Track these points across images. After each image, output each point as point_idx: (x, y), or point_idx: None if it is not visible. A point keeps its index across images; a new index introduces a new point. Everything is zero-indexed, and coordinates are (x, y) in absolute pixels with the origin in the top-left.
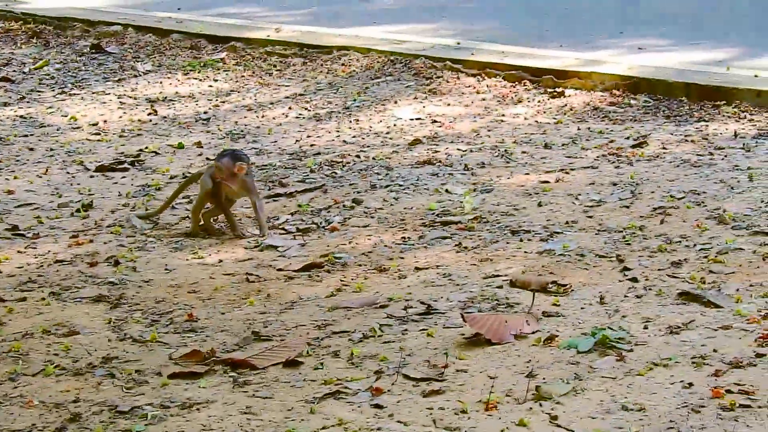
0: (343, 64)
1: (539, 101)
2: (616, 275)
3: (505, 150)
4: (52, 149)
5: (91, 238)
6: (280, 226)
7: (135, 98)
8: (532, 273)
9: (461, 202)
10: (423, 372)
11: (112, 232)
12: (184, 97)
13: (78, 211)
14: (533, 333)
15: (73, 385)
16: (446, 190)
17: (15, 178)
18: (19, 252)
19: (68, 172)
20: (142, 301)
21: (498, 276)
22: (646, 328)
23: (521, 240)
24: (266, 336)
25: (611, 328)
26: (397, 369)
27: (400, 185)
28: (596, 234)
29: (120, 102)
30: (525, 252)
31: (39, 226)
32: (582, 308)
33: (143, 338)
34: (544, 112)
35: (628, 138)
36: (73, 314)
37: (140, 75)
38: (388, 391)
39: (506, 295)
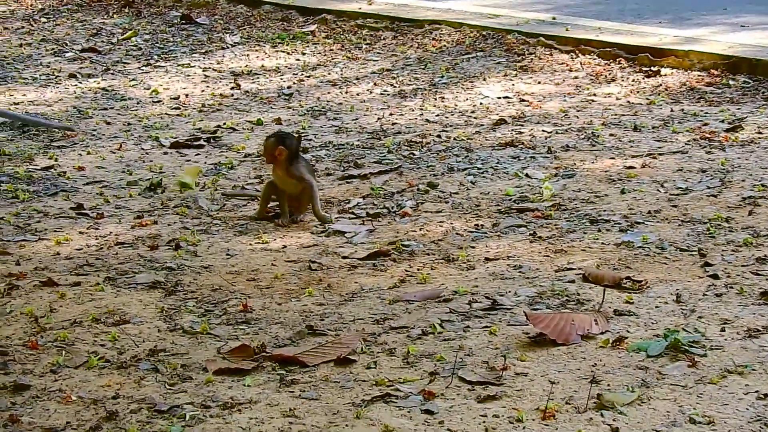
0: (434, 39)
1: (633, 80)
2: (696, 271)
3: (593, 132)
4: (129, 123)
5: (156, 219)
6: (350, 210)
7: (220, 71)
8: (607, 267)
9: (540, 187)
10: (480, 375)
11: (177, 213)
12: (269, 70)
13: (147, 189)
14: (602, 333)
15: (115, 379)
16: (526, 174)
17: (88, 153)
18: (80, 233)
19: (142, 148)
20: (198, 289)
21: (571, 269)
22: (723, 330)
23: (599, 230)
24: (321, 330)
25: (686, 330)
26: (453, 371)
27: (479, 168)
28: (679, 225)
29: (204, 75)
30: (602, 243)
31: (104, 206)
32: (656, 307)
33: (194, 329)
34: (637, 92)
35: (722, 121)
36: (125, 301)
37: (228, 47)
38: (441, 395)
39: (578, 290)
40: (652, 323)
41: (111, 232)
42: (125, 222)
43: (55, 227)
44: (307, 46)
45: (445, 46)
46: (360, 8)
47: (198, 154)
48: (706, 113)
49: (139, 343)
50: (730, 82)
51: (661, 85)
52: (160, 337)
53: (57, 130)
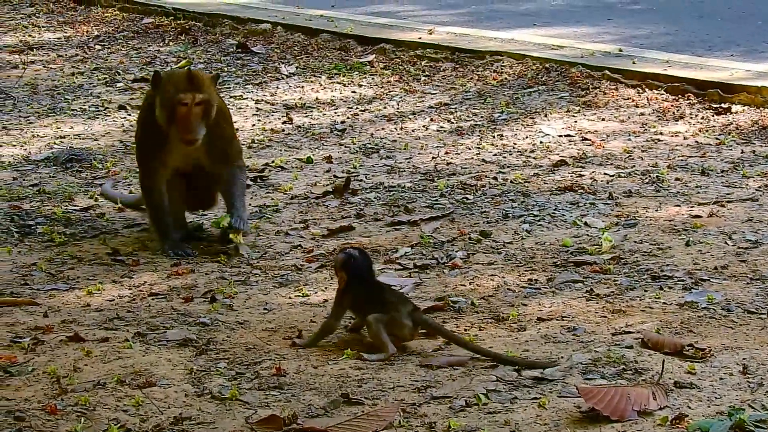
0: (494, 71)
1: (702, 118)
2: (765, 337)
3: (657, 176)
4: None
5: (194, 267)
6: (397, 261)
7: (272, 104)
8: (668, 330)
9: (600, 237)
10: None
11: (217, 261)
12: (323, 103)
13: (186, 237)
14: (660, 410)
15: None
16: (585, 223)
17: (130, 193)
18: (113, 282)
19: None
20: (230, 348)
21: (629, 333)
22: None
23: (661, 288)
24: (357, 399)
25: (752, 407)
26: None
27: (535, 216)
28: (747, 284)
29: (256, 108)
30: (664, 303)
31: (141, 252)
32: (721, 379)
33: (222, 395)
34: (706, 131)
35: None
36: (153, 361)
37: (282, 78)
38: None
39: (636, 357)
40: (716, 398)
41: (145, 282)
42: (161, 270)
43: (88, 275)
44: (364, 77)
45: (506, 78)
46: (420, 38)
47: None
48: None
49: (163, 409)
50: None
51: (731, 123)
52: (186, 402)
53: (100, 166)
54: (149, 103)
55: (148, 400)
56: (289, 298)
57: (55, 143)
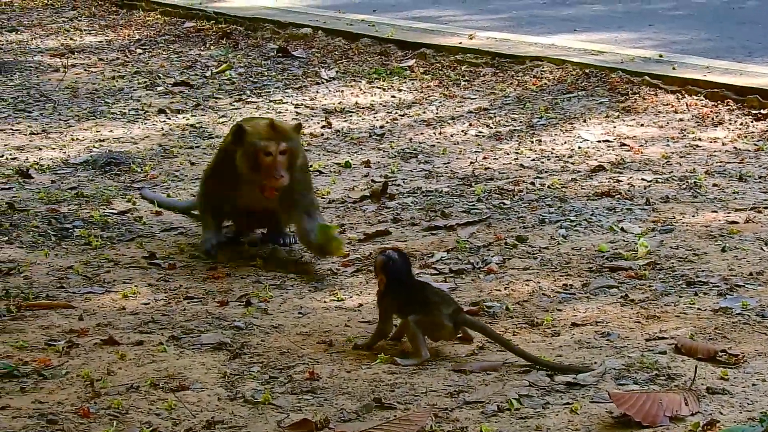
0: (534, 76)
1: (741, 124)
2: None
3: (695, 182)
4: None
5: (230, 272)
6: (432, 266)
7: (312, 108)
8: (702, 336)
9: (636, 243)
10: None
11: (253, 265)
12: (362, 108)
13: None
14: (692, 415)
15: None
16: (621, 228)
17: (168, 197)
18: (149, 285)
19: None
20: (264, 352)
21: (663, 338)
22: None
23: (696, 294)
24: (389, 403)
25: None
26: None
27: (572, 221)
28: None
29: (296, 112)
30: (698, 309)
31: (178, 255)
32: (753, 385)
33: (255, 399)
34: (745, 137)
35: None
36: (187, 364)
37: (322, 82)
38: None
39: (669, 363)
40: (748, 404)
41: (181, 285)
42: (197, 274)
43: (124, 278)
44: (404, 82)
45: (545, 84)
46: (460, 43)
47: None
48: None
49: (196, 413)
50: None
51: None
52: (219, 406)
53: (138, 169)
54: (226, 149)
55: (181, 404)
56: (324, 302)
57: (94, 147)
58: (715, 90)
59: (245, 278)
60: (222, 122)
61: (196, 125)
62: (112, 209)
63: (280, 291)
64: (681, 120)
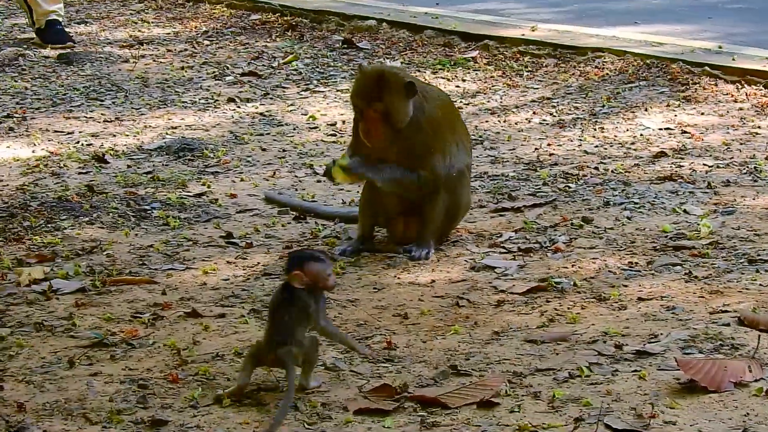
0: (596, 67)
1: None
2: None
3: (755, 167)
4: (284, 150)
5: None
6: (501, 245)
7: None
8: (764, 310)
9: (698, 224)
10: (627, 422)
11: (327, 243)
12: None
13: (295, 219)
14: (755, 381)
15: (253, 416)
16: (684, 210)
17: (241, 180)
18: (228, 262)
19: (296, 176)
20: (343, 323)
21: (726, 312)
22: None
23: (758, 271)
24: (465, 370)
25: None
26: (599, 417)
27: (636, 203)
28: None
29: None
30: (760, 285)
31: (254, 235)
32: None
33: (337, 366)
34: None
35: None
36: None
37: None
38: None
39: (732, 334)
40: None
41: (258, 263)
42: (273, 252)
43: (203, 256)
44: (468, 73)
45: (607, 74)
46: (523, 34)
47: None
48: None
49: (280, 380)
50: None
51: None
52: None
53: (211, 155)
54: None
55: (266, 370)
56: (398, 278)
57: (167, 134)
58: None
59: None
60: (290, 110)
61: (266, 113)
62: (188, 192)
63: (355, 267)
64: (740, 109)
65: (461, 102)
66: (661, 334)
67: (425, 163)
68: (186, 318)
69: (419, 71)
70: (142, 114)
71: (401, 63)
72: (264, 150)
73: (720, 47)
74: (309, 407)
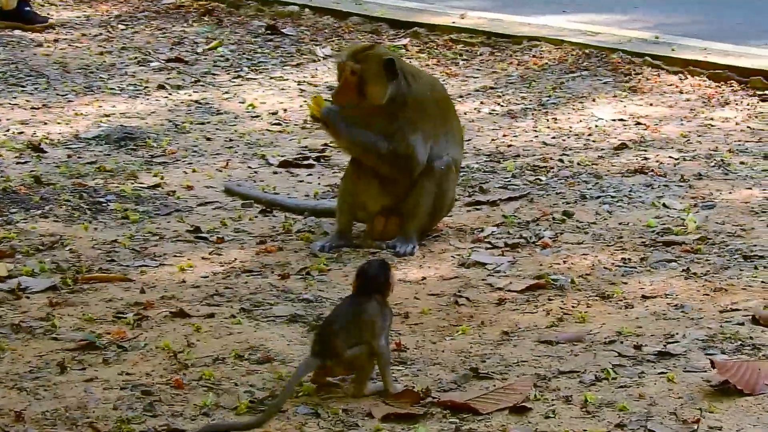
0: (534, 56)
1: (748, 104)
2: None
3: (722, 159)
4: (231, 140)
5: (281, 245)
6: (485, 240)
7: (316, 86)
8: None
9: (682, 219)
10: (671, 428)
11: (302, 239)
12: None
13: (262, 212)
14: None
15: (274, 425)
16: (663, 204)
17: (194, 171)
18: (203, 258)
19: (249, 167)
20: None
21: (736, 310)
22: None
23: (756, 267)
24: (485, 373)
25: None
26: (642, 423)
27: (612, 197)
28: None
29: (300, 89)
30: (762, 282)
31: (222, 229)
32: None
33: None
34: (756, 117)
35: None
36: (266, 336)
37: (319, 60)
38: None
39: (749, 334)
40: None
41: (236, 259)
42: (248, 247)
43: (174, 252)
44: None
45: (547, 64)
46: (453, 22)
47: (310, 174)
48: None
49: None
50: None
51: None
52: (311, 376)
53: (155, 144)
54: None
55: (273, 375)
56: None
57: (101, 122)
58: (718, 71)
59: (298, 252)
60: (226, 98)
61: (201, 101)
62: (141, 184)
63: (338, 264)
64: (688, 100)
65: None
66: (677, 333)
67: (404, 138)
68: (173, 318)
69: None
70: (69, 101)
71: (331, 50)
72: (209, 139)
73: (656, 37)
74: (330, 414)
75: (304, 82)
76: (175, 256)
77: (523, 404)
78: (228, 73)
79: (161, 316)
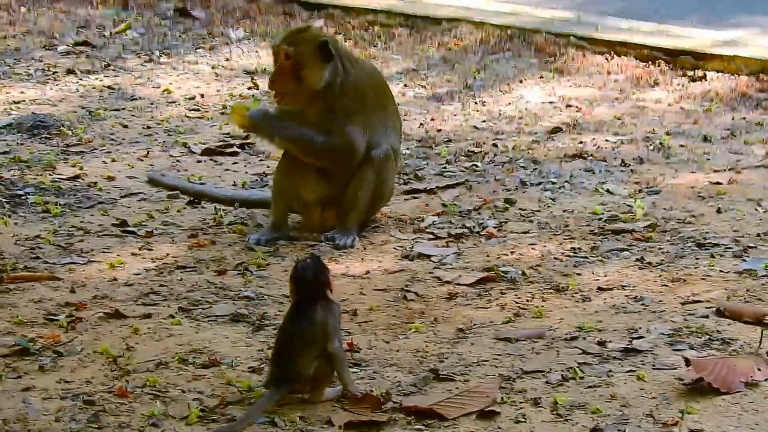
0: (455, 37)
1: (678, 84)
2: None
3: (660, 143)
4: (149, 127)
5: (213, 239)
6: (426, 230)
7: (231, 69)
8: (736, 299)
9: (629, 206)
10: (650, 431)
11: (234, 231)
12: None
13: (190, 203)
14: (766, 380)
15: None
16: (607, 191)
17: (113, 161)
18: (133, 254)
19: (171, 155)
20: None
21: (699, 302)
22: None
23: (712, 255)
24: (446, 375)
25: None
26: (619, 427)
27: (553, 183)
28: None
29: (215, 73)
30: (720, 271)
31: (150, 222)
32: None
33: None
34: (687, 98)
35: None
36: (209, 338)
37: (232, 42)
38: None
39: (716, 327)
40: None
41: (167, 254)
42: (179, 241)
43: (101, 247)
44: None
45: (468, 45)
46: (369, 3)
47: (235, 163)
48: None
49: (242, 390)
50: None
51: (710, 90)
52: (261, 381)
53: (70, 132)
54: None
55: (221, 379)
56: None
57: (11, 109)
58: (645, 51)
59: (233, 245)
60: (139, 83)
61: (114, 87)
62: (60, 174)
63: (276, 258)
64: (616, 81)
65: None
66: (640, 328)
67: (342, 129)
68: (108, 319)
69: (266, 41)
70: None
71: (243, 33)
72: (125, 127)
73: (579, 17)
74: (287, 422)
75: (219, 65)
76: (104, 252)
77: (491, 408)
78: (139, 57)
79: (96, 318)
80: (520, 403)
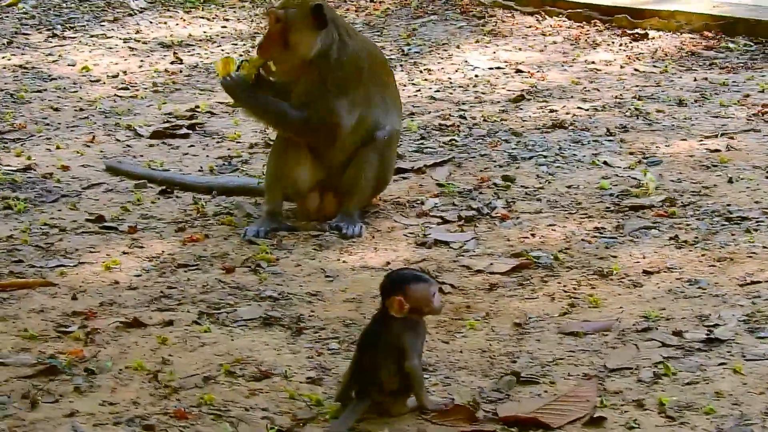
0: (372, 1)
1: (621, 45)
2: None
3: (635, 108)
4: (81, 109)
5: (204, 232)
6: (430, 213)
7: (145, 42)
8: None
9: (635, 178)
10: None
11: (224, 223)
12: (201, 40)
13: (162, 193)
14: None
15: None
16: (605, 163)
17: (58, 147)
18: (124, 253)
19: (118, 140)
20: (326, 324)
21: (757, 282)
22: None
23: (748, 231)
24: (527, 377)
25: None
26: (744, 430)
27: (545, 156)
28: None
29: (129, 47)
30: (764, 247)
31: (127, 216)
32: None
33: None
34: (637, 59)
35: (762, 91)
36: (248, 345)
37: (136, 13)
38: None
39: None
40: None
41: (162, 251)
42: (168, 236)
43: (86, 246)
44: (225, 11)
45: (389, 8)
46: None
47: (192, 146)
48: (734, 82)
49: (311, 405)
50: (731, 45)
51: (657, 50)
52: (328, 394)
53: None
54: None
55: (280, 393)
56: (344, 261)
57: None
58: (578, 10)
59: (229, 239)
60: (53, 62)
61: (26, 66)
62: (8, 166)
63: (283, 252)
64: (555, 42)
65: (242, 44)
66: (710, 315)
67: (325, 104)
68: (127, 329)
69: (170, 11)
70: None
71: (146, 2)
72: (56, 110)
73: None
74: None
75: (131, 39)
76: (90, 251)
77: (598, 414)
78: (40, 32)
79: (113, 328)
80: (622, 405)
